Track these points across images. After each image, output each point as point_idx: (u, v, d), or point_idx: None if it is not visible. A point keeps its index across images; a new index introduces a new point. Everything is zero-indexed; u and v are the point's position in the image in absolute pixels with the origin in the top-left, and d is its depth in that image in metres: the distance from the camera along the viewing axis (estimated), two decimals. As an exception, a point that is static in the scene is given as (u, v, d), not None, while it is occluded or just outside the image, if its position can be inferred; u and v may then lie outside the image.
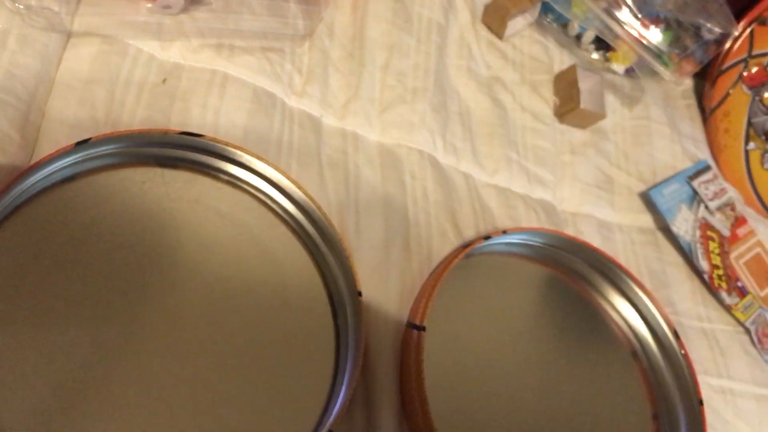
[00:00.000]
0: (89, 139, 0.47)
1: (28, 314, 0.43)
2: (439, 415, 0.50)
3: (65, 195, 0.48)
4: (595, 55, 0.85)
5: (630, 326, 0.68)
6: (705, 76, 0.92)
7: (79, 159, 0.49)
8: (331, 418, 0.48)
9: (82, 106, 0.53)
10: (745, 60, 0.86)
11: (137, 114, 0.55)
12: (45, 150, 0.49)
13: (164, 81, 0.57)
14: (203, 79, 0.59)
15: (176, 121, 0.56)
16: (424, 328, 0.53)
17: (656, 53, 0.80)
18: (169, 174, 0.53)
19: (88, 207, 0.48)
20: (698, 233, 0.77)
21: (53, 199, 0.48)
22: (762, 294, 0.79)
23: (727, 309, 0.76)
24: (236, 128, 0.58)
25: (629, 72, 0.85)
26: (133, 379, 0.44)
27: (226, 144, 0.53)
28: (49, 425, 0.41)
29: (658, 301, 0.67)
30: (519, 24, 0.80)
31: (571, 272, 0.68)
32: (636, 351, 0.68)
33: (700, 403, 0.62)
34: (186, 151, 0.54)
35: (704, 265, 0.76)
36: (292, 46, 0.65)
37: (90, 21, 0.56)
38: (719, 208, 0.81)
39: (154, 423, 0.44)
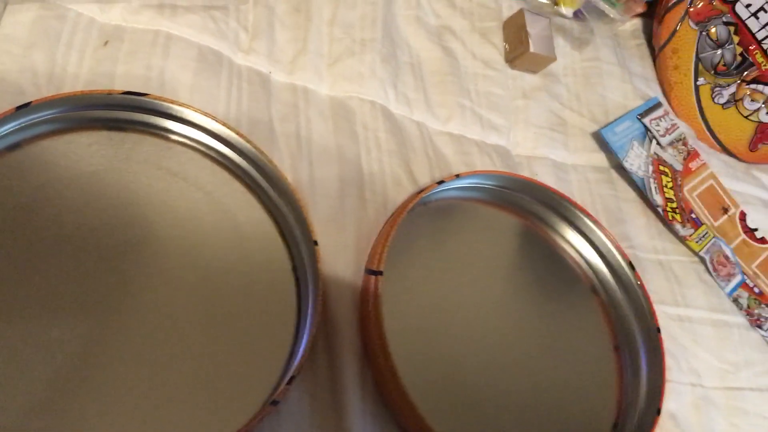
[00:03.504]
0: (30, 102, 0.47)
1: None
2: (400, 356, 0.51)
3: (10, 162, 0.48)
4: (543, -1, 0.85)
5: (587, 262, 0.70)
6: (653, 15, 0.92)
7: (23, 125, 0.49)
8: (293, 366, 0.49)
9: (22, 73, 0.52)
10: (690, -5, 0.87)
11: (80, 78, 0.54)
12: (-14, 119, 0.48)
13: (106, 44, 0.56)
14: (146, 40, 0.58)
15: (121, 84, 0.55)
16: (381, 273, 0.54)
17: (603, -6, 0.81)
18: (117, 136, 0.53)
19: (35, 172, 0.48)
20: (651, 169, 0.79)
21: (-2, 166, 0.47)
22: (716, 224, 0.81)
23: (682, 240, 0.78)
24: (183, 88, 0.58)
25: (578, 15, 0.85)
26: (91, 337, 0.45)
27: (172, 102, 0.53)
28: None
29: (613, 235, 0.69)
30: (465, -29, 0.80)
31: (527, 213, 0.70)
32: (594, 286, 0.69)
33: (658, 331, 0.64)
34: (132, 113, 0.54)
35: (658, 199, 0.78)
36: (236, 2, 0.64)
37: (27, -14, 0.55)
38: (671, 144, 0.82)
39: (117, 379, 0.44)
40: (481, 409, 0.56)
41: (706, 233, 0.79)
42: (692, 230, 0.78)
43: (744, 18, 0.85)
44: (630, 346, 0.66)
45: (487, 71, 0.77)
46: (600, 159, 0.80)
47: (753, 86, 0.87)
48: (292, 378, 0.47)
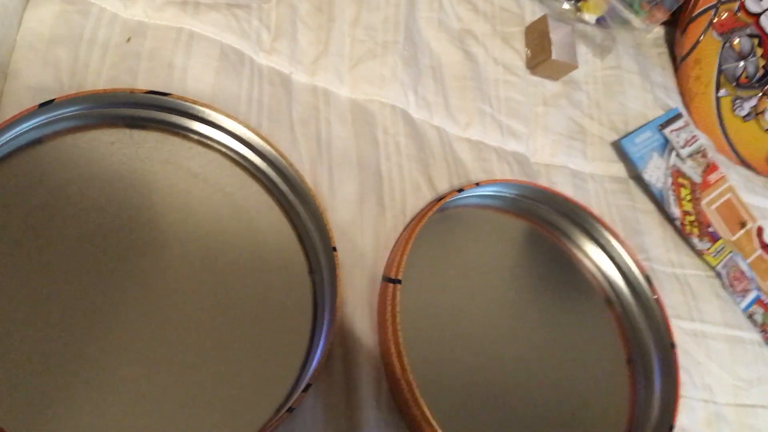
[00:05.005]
0: (53, 100, 0.47)
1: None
2: (416, 365, 0.50)
3: (32, 158, 0.48)
4: (566, 6, 0.84)
5: (603, 274, 0.69)
6: (676, 24, 0.92)
7: (45, 121, 0.49)
8: (309, 373, 0.48)
9: (45, 68, 0.52)
10: (715, 6, 0.86)
11: (103, 74, 0.54)
12: (9, 115, 0.48)
13: (129, 40, 0.56)
14: (169, 38, 0.58)
15: (143, 81, 0.55)
16: (399, 281, 0.54)
17: (627, 2, 0.80)
18: (138, 135, 0.53)
19: (56, 169, 0.48)
20: (669, 180, 0.78)
21: (20, 163, 0.47)
22: (733, 238, 0.81)
23: (699, 254, 0.77)
24: (205, 87, 0.57)
25: (600, 22, 0.84)
26: (109, 338, 0.44)
27: (194, 102, 0.53)
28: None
29: (630, 247, 0.68)
30: (489, -25, 0.79)
31: (545, 222, 0.69)
32: (610, 298, 0.69)
33: (673, 346, 0.64)
34: (154, 111, 0.53)
35: (676, 211, 0.77)
36: (259, 2, 0.64)
37: (49, -20, 0.54)
38: (690, 156, 0.82)
39: (134, 382, 0.44)
40: (494, 420, 0.56)
41: (723, 247, 0.78)
42: (709, 244, 0.77)
43: (768, 31, 0.84)
44: (644, 359, 0.66)
45: (508, 77, 0.77)
46: (618, 169, 0.80)
47: (775, 100, 0.87)
48: (308, 385, 0.46)
